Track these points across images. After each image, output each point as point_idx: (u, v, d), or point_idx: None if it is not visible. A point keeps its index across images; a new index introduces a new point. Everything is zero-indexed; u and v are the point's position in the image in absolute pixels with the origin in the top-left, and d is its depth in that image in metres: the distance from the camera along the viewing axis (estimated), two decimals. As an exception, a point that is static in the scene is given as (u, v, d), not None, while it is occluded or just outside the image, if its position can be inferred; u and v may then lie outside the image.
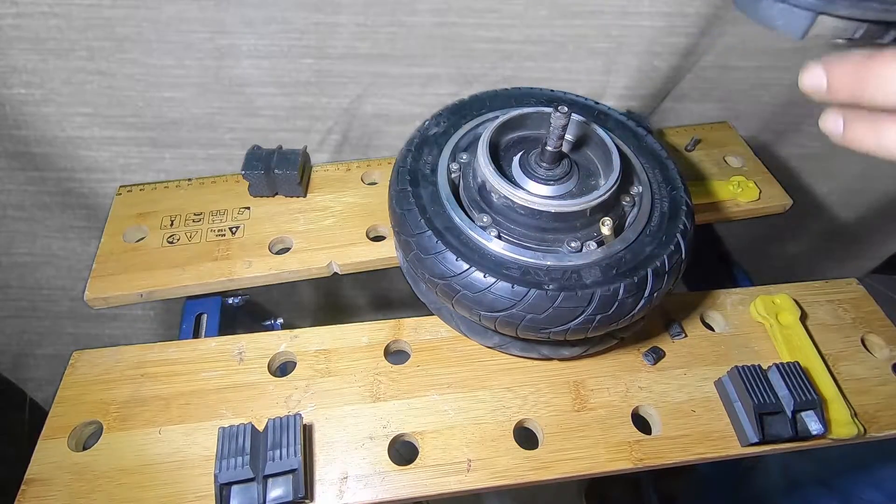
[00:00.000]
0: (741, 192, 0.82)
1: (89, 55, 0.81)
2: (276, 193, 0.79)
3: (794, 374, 0.58)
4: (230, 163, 0.96)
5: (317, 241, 0.74)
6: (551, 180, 0.55)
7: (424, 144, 0.61)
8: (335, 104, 0.91)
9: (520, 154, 0.58)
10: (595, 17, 0.86)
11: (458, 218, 0.54)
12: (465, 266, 0.51)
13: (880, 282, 1.38)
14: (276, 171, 0.76)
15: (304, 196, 0.80)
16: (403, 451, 0.59)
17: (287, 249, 0.74)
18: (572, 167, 0.57)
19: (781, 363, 0.59)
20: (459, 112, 0.65)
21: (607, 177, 0.55)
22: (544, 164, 0.56)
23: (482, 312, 0.51)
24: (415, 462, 0.57)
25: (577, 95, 0.69)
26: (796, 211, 0.85)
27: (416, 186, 0.57)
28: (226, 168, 0.96)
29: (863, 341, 0.69)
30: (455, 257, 0.51)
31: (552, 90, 0.69)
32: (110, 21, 0.78)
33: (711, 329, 0.69)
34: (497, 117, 0.60)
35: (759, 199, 0.82)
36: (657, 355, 0.65)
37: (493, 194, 0.54)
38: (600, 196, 0.53)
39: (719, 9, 0.86)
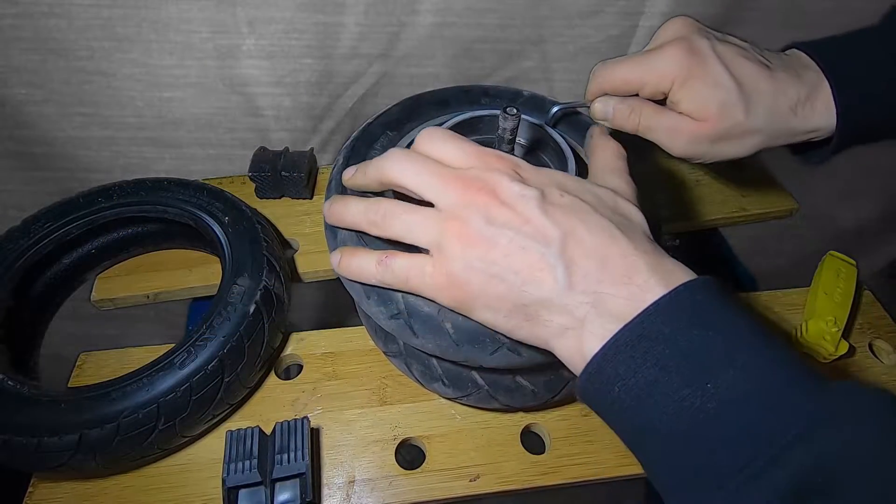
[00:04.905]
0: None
1: (89, 55, 0.80)
2: (283, 195, 0.79)
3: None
4: (230, 163, 0.95)
5: (323, 244, 0.72)
6: None
7: (367, 150, 0.55)
8: (337, 105, 0.91)
9: None
10: (595, 17, 0.86)
11: None
12: None
13: (889, 286, 1.39)
14: (283, 173, 0.76)
15: (311, 198, 0.80)
16: (410, 456, 0.60)
17: (293, 252, 0.74)
18: None
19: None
20: (405, 114, 0.59)
21: None
22: None
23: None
24: (422, 466, 0.58)
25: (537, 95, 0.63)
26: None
27: None
28: (226, 168, 0.95)
29: (871, 347, 0.69)
30: None
31: (520, 90, 0.64)
32: (110, 21, 0.77)
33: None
34: (445, 122, 0.56)
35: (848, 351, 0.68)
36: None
37: None
38: None
39: (719, 9, 0.87)
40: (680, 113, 0.54)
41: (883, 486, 0.29)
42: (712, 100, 0.52)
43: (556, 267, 0.37)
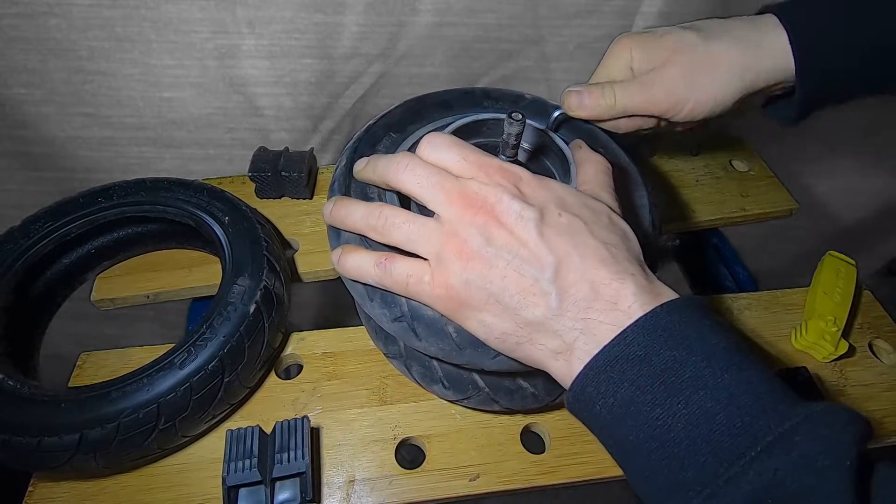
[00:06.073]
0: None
1: (89, 55, 0.80)
2: (283, 195, 0.79)
3: (800, 380, 0.58)
4: (230, 163, 0.95)
5: (323, 244, 0.74)
6: None
7: (369, 151, 0.54)
8: (337, 104, 0.91)
9: None
10: (595, 17, 0.86)
11: None
12: None
13: (888, 285, 1.39)
14: (283, 173, 0.76)
15: (311, 198, 0.80)
16: (410, 455, 0.60)
17: (293, 252, 0.74)
18: None
19: (787, 368, 0.59)
20: (408, 116, 0.58)
21: None
22: None
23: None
24: (422, 466, 0.58)
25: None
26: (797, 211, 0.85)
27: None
28: (226, 168, 0.95)
29: (870, 346, 0.69)
30: None
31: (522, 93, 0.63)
32: (110, 21, 0.77)
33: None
34: (448, 124, 0.54)
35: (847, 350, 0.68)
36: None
37: None
38: None
39: (717, 9, 0.87)
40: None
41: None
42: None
43: (550, 293, 0.38)
